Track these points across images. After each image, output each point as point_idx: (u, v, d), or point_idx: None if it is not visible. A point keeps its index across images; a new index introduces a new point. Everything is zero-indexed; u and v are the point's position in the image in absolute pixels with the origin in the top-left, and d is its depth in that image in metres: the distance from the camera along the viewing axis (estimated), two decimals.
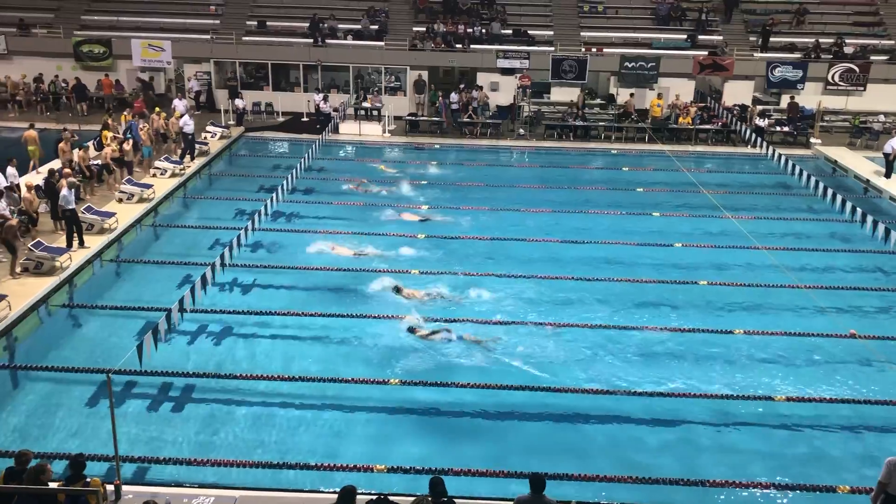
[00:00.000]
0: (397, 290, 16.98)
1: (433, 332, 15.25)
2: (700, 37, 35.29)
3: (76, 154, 22.26)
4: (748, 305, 17.14)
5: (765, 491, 11.23)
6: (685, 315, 16.62)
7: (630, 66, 33.32)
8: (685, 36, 35.42)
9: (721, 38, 35.44)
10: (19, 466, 9.20)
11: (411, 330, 15.36)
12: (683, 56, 33.96)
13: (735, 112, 31.81)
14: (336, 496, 8.84)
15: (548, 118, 32.64)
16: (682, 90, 33.21)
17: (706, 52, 34.02)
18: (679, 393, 13.55)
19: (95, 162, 22.83)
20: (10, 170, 20.40)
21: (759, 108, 32.13)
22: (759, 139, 27.63)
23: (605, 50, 34.46)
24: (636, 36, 35.69)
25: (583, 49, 34.40)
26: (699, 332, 15.70)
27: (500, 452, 11.95)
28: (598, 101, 34.11)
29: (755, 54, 34.60)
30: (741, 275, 18.60)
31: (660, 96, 32.43)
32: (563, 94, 33.67)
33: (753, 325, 16.09)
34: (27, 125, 25.21)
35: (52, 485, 9.21)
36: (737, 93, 33.52)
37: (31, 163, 23.91)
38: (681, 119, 31.61)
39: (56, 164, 22.05)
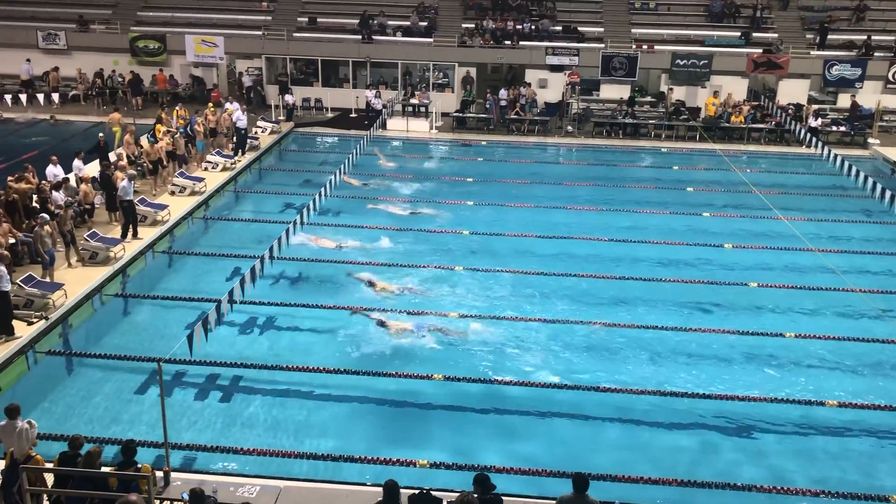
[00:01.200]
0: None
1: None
2: (754, 34, 34.58)
3: (146, 145, 22.85)
4: (800, 309, 16.77)
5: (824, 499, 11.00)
6: (734, 317, 16.34)
7: (682, 63, 32.82)
8: (739, 33, 34.74)
9: (776, 35, 34.69)
10: (73, 451, 9.47)
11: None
12: (737, 54, 33.31)
13: (790, 111, 31.12)
14: (379, 489, 8.89)
15: (596, 115, 32.34)
16: (734, 88, 32.60)
17: (760, 50, 33.33)
18: (721, 395, 13.34)
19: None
20: (77, 162, 20.94)
21: (814, 107, 31.36)
22: (813, 139, 27.00)
23: (656, 47, 33.99)
24: (688, 33, 35.09)
25: (633, 46, 33.98)
26: (749, 335, 15.43)
27: (552, 451, 11.93)
28: (649, 98, 33.68)
29: (811, 52, 33.78)
30: (793, 277, 18.20)
31: (715, 94, 31.87)
32: (613, 92, 33.33)
33: (805, 328, 15.76)
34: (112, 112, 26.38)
35: (105, 469, 9.46)
36: (792, 91, 32.76)
37: (115, 142, 25.14)
38: (733, 118, 31.03)
39: (112, 156, 22.56)
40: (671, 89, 32.44)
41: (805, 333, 15.52)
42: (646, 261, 19.09)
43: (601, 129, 31.55)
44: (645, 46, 33.89)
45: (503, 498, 8.97)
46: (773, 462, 11.84)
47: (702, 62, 32.75)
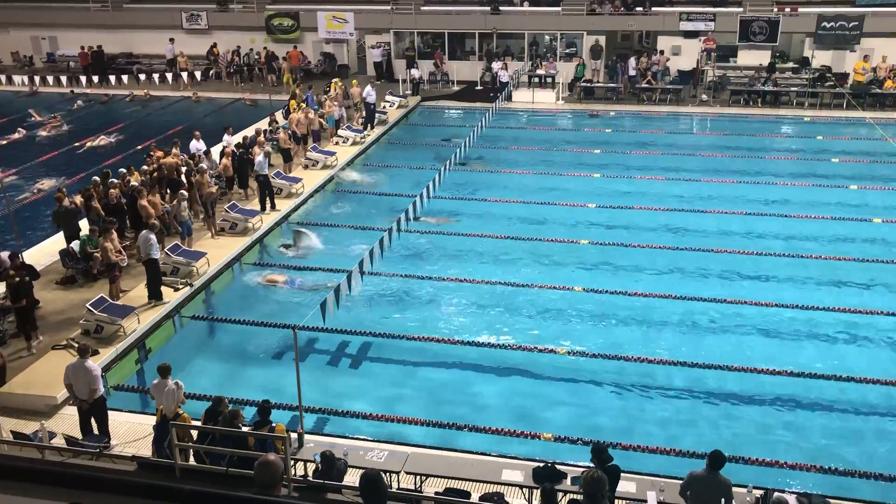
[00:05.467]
0: None
1: None
2: None
3: (297, 118, 23.76)
4: None
5: None
6: (881, 296, 15.30)
7: (828, 26, 30.67)
8: None
9: None
10: (216, 410, 10.02)
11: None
12: (893, 14, 30.77)
13: None
14: (505, 460, 8.90)
15: (734, 83, 30.80)
16: (889, 51, 30.16)
17: None
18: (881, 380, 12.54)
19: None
20: (227, 137, 21.97)
21: None
22: None
23: (799, 9, 31.89)
24: None
25: (775, 9, 32.03)
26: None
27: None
28: (791, 64, 31.74)
29: None
30: None
31: (865, 58, 29.65)
32: (752, 58, 31.61)
33: None
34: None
35: (244, 429, 9.96)
36: None
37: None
38: (887, 83, 28.77)
39: (250, 132, 23.51)
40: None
41: None
42: (789, 236, 18.13)
43: (738, 98, 30.03)
44: (788, 9, 31.82)
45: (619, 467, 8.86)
46: None
47: (851, 24, 30.46)
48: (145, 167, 19.24)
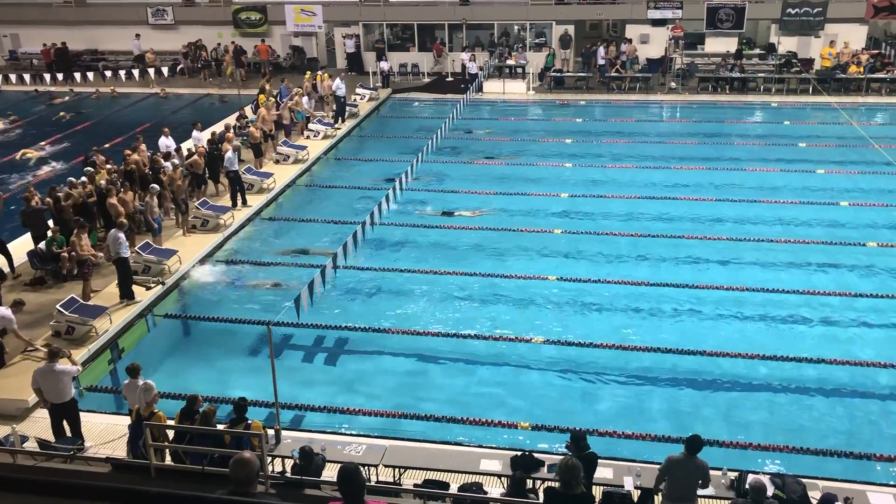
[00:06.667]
0: None
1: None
2: None
3: (263, 115, 23.41)
4: None
5: None
6: (852, 277, 15.56)
7: (793, 12, 31.02)
8: None
9: None
10: (191, 409, 9.95)
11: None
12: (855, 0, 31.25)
13: None
14: (482, 450, 8.94)
15: (702, 70, 31.06)
16: (852, 36, 30.59)
17: None
18: (844, 361, 12.76)
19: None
20: (196, 133, 21.71)
21: None
22: None
23: None
24: None
25: None
26: (867, 297, 14.67)
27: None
28: (757, 50, 32.06)
29: None
30: None
31: (831, 44, 30.04)
32: (719, 45, 31.88)
33: None
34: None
35: (220, 427, 9.90)
36: None
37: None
38: (851, 68, 29.19)
39: (219, 127, 23.27)
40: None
41: None
42: (757, 221, 18.34)
43: (706, 85, 30.32)
44: None
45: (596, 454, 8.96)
46: None
47: (815, 10, 30.84)
48: (109, 165, 18.95)
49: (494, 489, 9.65)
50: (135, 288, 15.05)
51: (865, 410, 11.78)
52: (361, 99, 29.76)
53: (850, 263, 16.17)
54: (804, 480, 9.05)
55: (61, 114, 29.78)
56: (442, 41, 34.13)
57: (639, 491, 9.16)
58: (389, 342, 13.94)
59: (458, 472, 9.77)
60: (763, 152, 23.26)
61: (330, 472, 9.17)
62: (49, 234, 15.84)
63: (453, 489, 9.23)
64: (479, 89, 30.02)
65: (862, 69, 28.98)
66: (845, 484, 9.39)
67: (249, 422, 9.70)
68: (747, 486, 8.46)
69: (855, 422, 11.55)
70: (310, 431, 11.21)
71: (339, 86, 26.80)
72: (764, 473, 9.39)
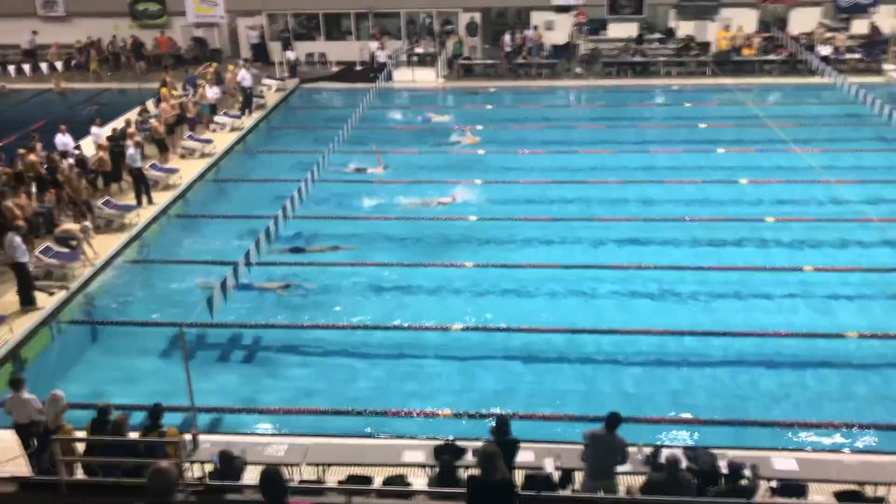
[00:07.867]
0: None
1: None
2: None
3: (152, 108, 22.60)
4: (817, 241, 16.64)
5: None
6: (751, 252, 16.28)
7: None
8: None
9: None
10: (102, 419, 9.61)
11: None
12: None
13: (802, 41, 30.41)
14: (406, 441, 8.96)
15: (605, 56, 31.75)
16: (745, 20, 31.83)
17: None
18: (739, 332, 13.36)
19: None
20: (95, 129, 20.83)
21: (824, 34, 30.56)
22: (826, 68, 26.43)
23: None
24: None
25: None
26: (767, 271, 15.39)
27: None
28: (657, 35, 32.99)
29: None
30: (809, 210, 18.06)
31: (727, 28, 31.18)
32: (621, 31, 32.65)
33: (824, 261, 15.69)
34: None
35: (132, 435, 9.60)
36: (803, 21, 31.90)
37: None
38: (744, 51, 30.39)
39: (120, 123, 22.44)
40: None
41: (824, 266, 15.43)
42: (661, 201, 18.94)
43: (610, 70, 31.03)
44: None
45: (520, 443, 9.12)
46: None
47: None
48: None
49: (418, 479, 9.71)
50: (36, 294, 14.41)
51: (770, 380, 12.35)
52: (269, 89, 29.21)
53: (749, 237, 16.87)
54: (714, 451, 9.45)
55: None
56: (318, 30, 33.74)
57: (559, 472, 9.37)
58: (307, 337, 13.80)
59: (382, 465, 9.75)
60: (666, 134, 24.00)
61: (252, 475, 9.02)
62: None
63: (377, 483, 9.23)
64: (389, 78, 29.89)
65: (755, 51, 30.20)
66: (751, 452, 9.83)
67: (164, 429, 9.44)
68: (662, 461, 8.79)
69: (759, 391, 12.10)
70: (228, 434, 11.01)
71: (244, 76, 26.23)
72: (677, 447, 9.76)
